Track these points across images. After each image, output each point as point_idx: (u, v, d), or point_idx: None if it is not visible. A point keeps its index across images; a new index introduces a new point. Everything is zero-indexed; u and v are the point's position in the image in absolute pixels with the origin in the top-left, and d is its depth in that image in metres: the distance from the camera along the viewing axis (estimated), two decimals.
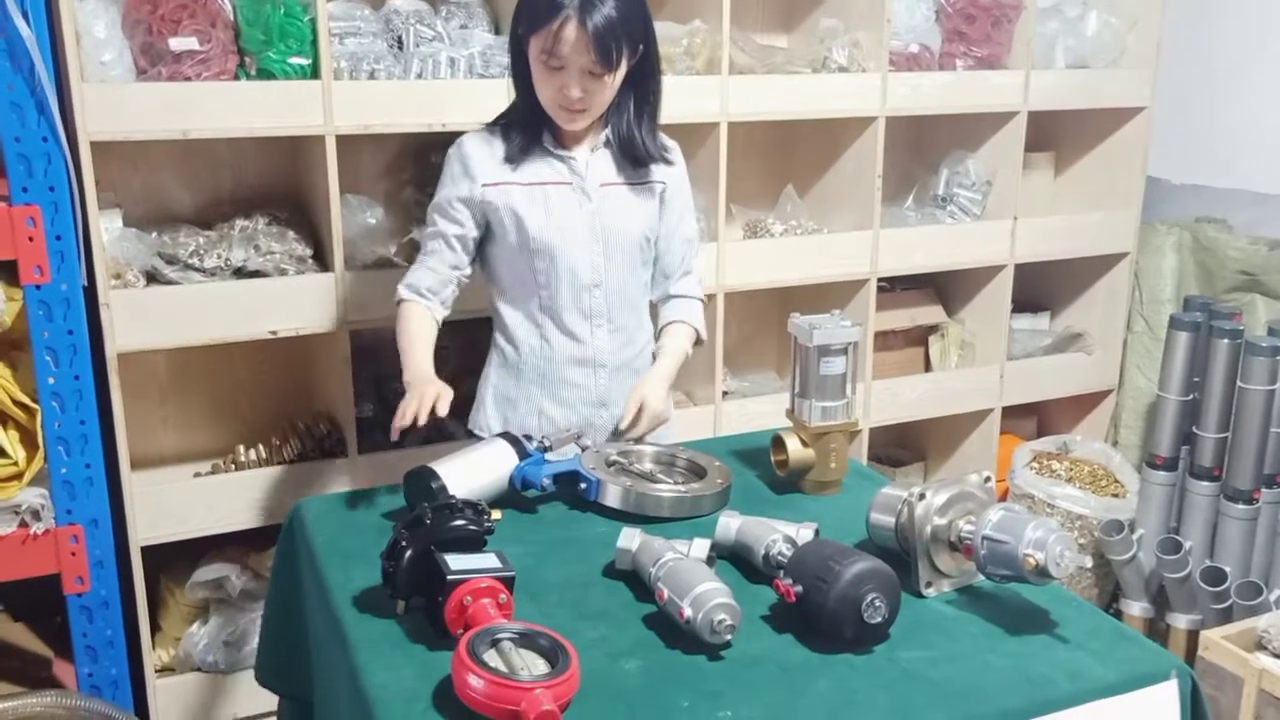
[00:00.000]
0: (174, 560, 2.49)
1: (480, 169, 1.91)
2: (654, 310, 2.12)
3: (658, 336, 2.09)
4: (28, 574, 2.05)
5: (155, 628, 2.46)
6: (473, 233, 1.95)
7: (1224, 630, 2.30)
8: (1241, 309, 3.07)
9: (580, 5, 1.75)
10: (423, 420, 1.74)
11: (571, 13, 1.75)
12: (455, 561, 1.39)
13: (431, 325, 1.96)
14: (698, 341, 2.11)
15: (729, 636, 1.36)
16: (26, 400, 2.02)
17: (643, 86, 1.94)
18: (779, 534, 1.56)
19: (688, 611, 1.36)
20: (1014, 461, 3.16)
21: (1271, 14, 3.12)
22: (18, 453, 2.03)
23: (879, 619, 1.37)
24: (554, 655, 1.28)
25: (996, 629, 1.44)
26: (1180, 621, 2.78)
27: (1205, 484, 2.77)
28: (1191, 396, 2.82)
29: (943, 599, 1.52)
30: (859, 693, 1.30)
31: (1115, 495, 3.09)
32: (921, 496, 1.52)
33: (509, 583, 1.40)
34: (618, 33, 1.79)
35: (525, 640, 1.30)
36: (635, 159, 1.98)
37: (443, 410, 1.76)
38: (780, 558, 1.52)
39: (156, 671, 2.41)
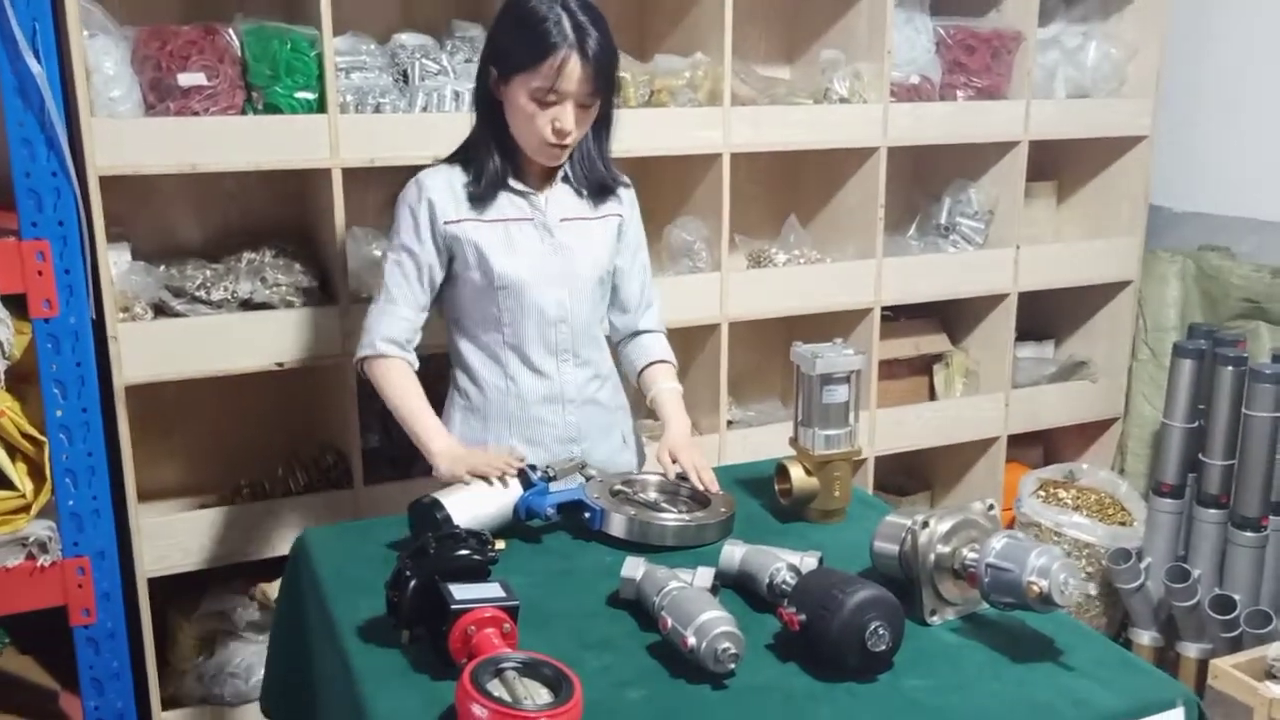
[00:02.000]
0: (180, 593, 2.50)
1: (442, 207, 1.89)
2: (618, 348, 2.11)
3: (637, 377, 2.08)
4: (35, 606, 2.05)
5: (162, 661, 2.45)
6: (438, 271, 1.92)
7: (1233, 659, 2.29)
8: (1245, 336, 3.07)
9: (577, 39, 1.77)
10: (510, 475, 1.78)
11: (570, 47, 1.76)
12: (459, 591, 1.39)
13: (416, 380, 1.93)
14: None
15: (733, 665, 1.36)
16: (34, 433, 2.03)
17: (605, 116, 1.94)
18: (783, 563, 1.56)
19: (692, 640, 1.36)
20: (1020, 490, 3.16)
21: (1270, 43, 3.15)
22: (25, 485, 2.03)
23: (883, 647, 1.37)
24: (558, 684, 1.28)
25: (1001, 657, 1.44)
26: (1190, 650, 2.76)
27: (1212, 511, 2.76)
28: (1197, 424, 2.82)
29: (947, 627, 1.52)
30: None
31: (1122, 523, 3.09)
32: (925, 525, 1.52)
33: (513, 612, 1.40)
34: (611, 60, 1.82)
35: (529, 670, 1.30)
36: (599, 188, 1.97)
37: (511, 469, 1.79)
38: (784, 586, 1.52)
39: (162, 705, 2.41)
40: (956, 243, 3.17)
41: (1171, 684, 1.42)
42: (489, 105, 1.89)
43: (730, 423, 2.94)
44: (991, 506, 1.58)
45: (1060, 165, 3.45)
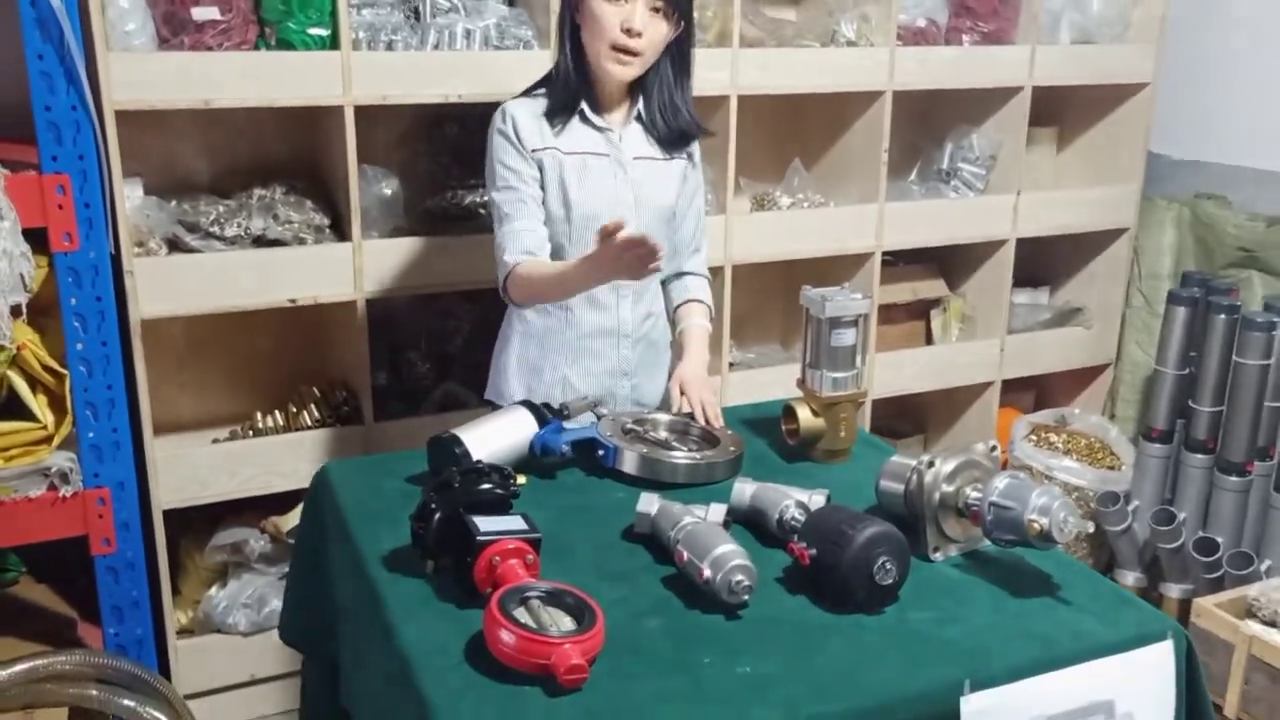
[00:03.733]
0: (193, 525, 2.55)
1: (528, 136, 1.96)
2: (662, 286, 2.17)
3: (673, 312, 2.15)
4: (57, 535, 2.10)
5: (175, 591, 2.51)
6: (539, 191, 1.97)
7: (1216, 598, 2.37)
8: (1239, 284, 3.13)
9: None
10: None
11: None
12: (484, 523, 1.45)
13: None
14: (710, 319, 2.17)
15: (746, 597, 1.42)
16: (55, 365, 2.07)
17: (683, 55, 1.99)
18: (792, 500, 1.61)
19: (707, 572, 1.42)
20: (1013, 434, 3.22)
21: None
22: (47, 417, 2.07)
23: (890, 581, 1.43)
24: (580, 613, 1.34)
25: (1001, 591, 1.51)
26: (1173, 591, 2.84)
27: (1199, 457, 2.83)
28: (1188, 371, 2.88)
29: (950, 563, 1.58)
30: (871, 650, 1.36)
31: (1111, 467, 3.16)
32: (930, 464, 1.58)
33: (536, 544, 1.46)
34: None
35: (552, 599, 1.36)
36: (678, 130, 2.03)
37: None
38: (794, 523, 1.58)
39: (177, 633, 2.47)
40: (957, 188, 3.20)
41: (1161, 618, 1.49)
42: (570, 28, 1.95)
43: (731, 364, 2.98)
44: (994, 448, 1.64)
45: (1062, 112, 3.47)
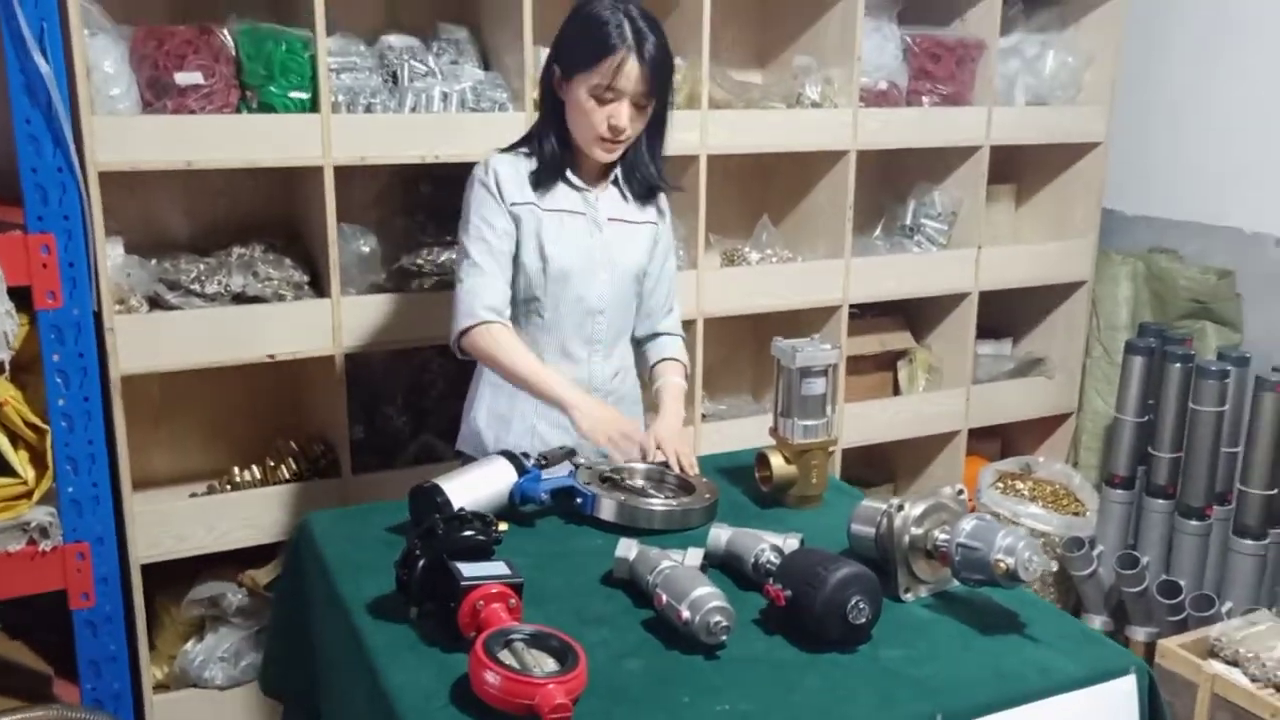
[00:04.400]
0: (169, 580, 2.55)
1: (509, 189, 2.02)
2: (637, 346, 2.23)
3: (648, 372, 2.21)
4: (36, 590, 2.10)
5: (151, 647, 2.51)
6: (514, 235, 2.03)
7: (1179, 639, 2.43)
8: (1193, 335, 3.23)
9: (635, 41, 1.91)
10: (651, 457, 1.97)
11: (629, 49, 1.90)
12: (468, 569, 1.48)
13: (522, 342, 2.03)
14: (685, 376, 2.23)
15: (724, 637, 1.46)
16: (37, 421, 2.09)
17: (659, 123, 2.08)
18: (767, 544, 1.66)
19: (686, 614, 1.46)
20: (980, 482, 3.29)
21: (1220, 56, 3.30)
22: (28, 472, 2.09)
23: (863, 620, 1.48)
24: (563, 654, 1.37)
25: (971, 629, 1.55)
26: (1139, 634, 2.90)
27: (1161, 502, 2.91)
28: (1147, 418, 2.97)
29: (921, 603, 1.63)
30: (845, 688, 1.41)
31: (1076, 513, 3.23)
32: (900, 508, 1.63)
33: (518, 589, 1.49)
34: (666, 65, 1.96)
35: (536, 641, 1.39)
36: (647, 189, 2.11)
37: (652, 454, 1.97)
38: (769, 565, 1.62)
39: (153, 689, 2.47)
40: (920, 243, 3.29)
41: (1125, 654, 1.54)
42: (552, 103, 2.02)
43: (704, 416, 3.04)
44: (960, 491, 1.69)
45: (1019, 169, 3.59)
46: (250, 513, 2.46)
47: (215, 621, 2.53)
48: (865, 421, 3.23)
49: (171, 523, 2.39)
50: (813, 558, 1.54)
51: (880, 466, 3.62)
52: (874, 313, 3.35)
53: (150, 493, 2.60)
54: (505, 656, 1.35)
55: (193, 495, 2.56)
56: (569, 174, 2.05)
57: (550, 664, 1.36)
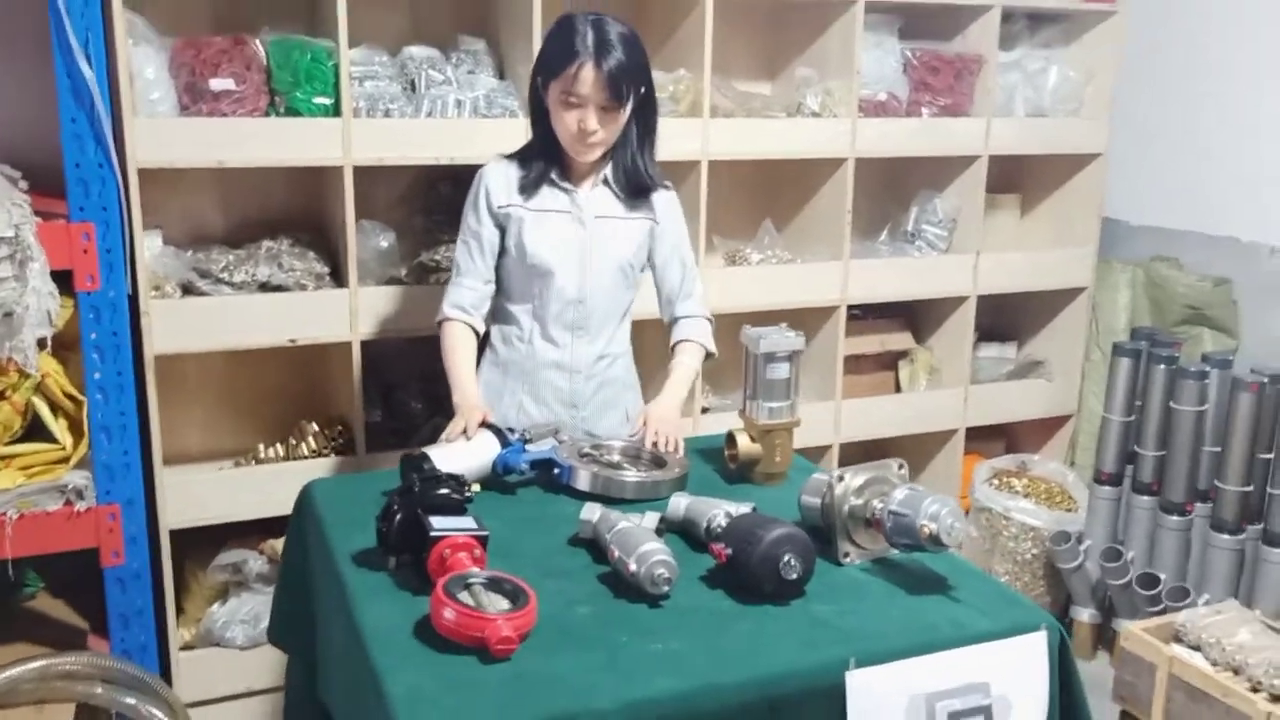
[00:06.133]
0: (197, 547, 2.76)
1: (497, 195, 2.22)
2: (668, 329, 2.39)
3: (671, 355, 2.35)
4: (71, 547, 2.31)
5: (179, 610, 2.71)
6: (495, 241, 2.23)
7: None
8: (1189, 340, 3.31)
9: (595, 51, 2.07)
10: (471, 434, 2.05)
11: (588, 58, 2.06)
12: (439, 522, 1.65)
13: (473, 342, 2.24)
14: (709, 356, 2.38)
15: (666, 588, 1.61)
16: (74, 392, 2.31)
17: (645, 121, 2.23)
18: (720, 510, 1.81)
19: (633, 566, 1.61)
20: (974, 478, 3.39)
21: (1219, 70, 3.39)
22: (66, 439, 2.31)
23: (794, 576, 1.62)
24: (515, 596, 1.53)
25: (899, 589, 1.69)
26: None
27: (1145, 498, 3.00)
28: (1133, 418, 3.06)
29: (859, 567, 1.77)
30: (772, 634, 1.55)
31: (1068, 510, 3.32)
32: (841, 479, 1.77)
33: (483, 540, 1.65)
34: (630, 74, 2.10)
35: (492, 585, 1.56)
36: (638, 187, 2.25)
37: (472, 431, 2.06)
38: (719, 529, 1.77)
39: (180, 649, 2.67)
40: (921, 248, 3.41)
41: (1039, 613, 1.66)
42: (540, 111, 2.20)
43: (705, 409, 3.19)
44: (902, 466, 1.83)
45: (1024, 180, 3.70)
46: (272, 486, 2.64)
47: (238, 587, 2.73)
48: (865, 418, 3.35)
49: (198, 492, 2.60)
50: (754, 520, 1.69)
51: None
52: (876, 314, 3.48)
53: (183, 467, 2.81)
54: (464, 596, 1.51)
55: (220, 469, 2.76)
56: (554, 176, 2.22)
57: (503, 604, 1.52)
